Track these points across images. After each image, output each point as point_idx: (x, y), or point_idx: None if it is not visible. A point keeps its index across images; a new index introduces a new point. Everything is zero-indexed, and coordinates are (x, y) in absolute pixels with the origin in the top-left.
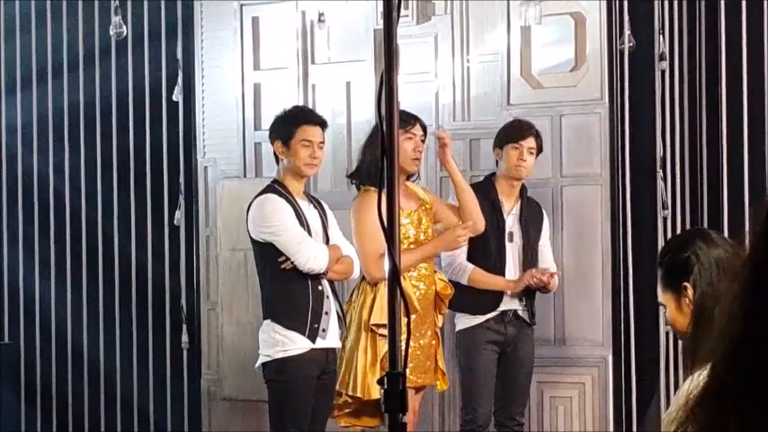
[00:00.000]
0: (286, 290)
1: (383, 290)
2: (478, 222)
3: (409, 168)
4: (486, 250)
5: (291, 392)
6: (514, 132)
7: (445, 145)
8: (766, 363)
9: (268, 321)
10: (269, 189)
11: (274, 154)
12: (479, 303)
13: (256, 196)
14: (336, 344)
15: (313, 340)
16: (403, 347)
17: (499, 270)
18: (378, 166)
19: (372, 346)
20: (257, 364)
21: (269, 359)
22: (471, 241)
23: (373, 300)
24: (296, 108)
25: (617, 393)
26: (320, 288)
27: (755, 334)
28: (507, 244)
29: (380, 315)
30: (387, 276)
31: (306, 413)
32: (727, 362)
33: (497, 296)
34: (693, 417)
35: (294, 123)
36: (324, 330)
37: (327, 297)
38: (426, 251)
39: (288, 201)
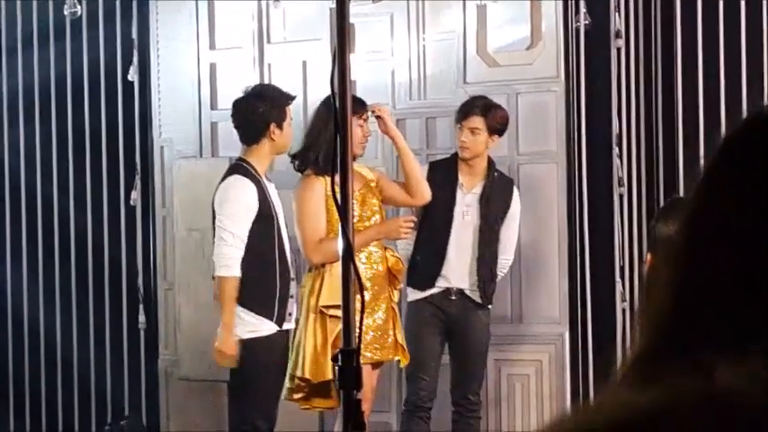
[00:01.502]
0: (254, 274)
1: (330, 272)
2: (424, 192)
3: (357, 151)
4: (431, 224)
5: (260, 374)
6: (459, 112)
7: (380, 117)
8: (691, 332)
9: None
10: (238, 169)
11: (246, 134)
12: (418, 279)
13: (224, 177)
14: (293, 325)
15: (280, 325)
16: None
17: (440, 245)
18: (319, 152)
19: (322, 329)
20: (218, 344)
21: (235, 339)
22: (421, 215)
23: (321, 283)
24: (270, 87)
25: (574, 370)
26: (288, 272)
27: (682, 306)
28: (459, 220)
29: (329, 296)
30: (340, 256)
31: (274, 394)
32: (652, 332)
33: (434, 272)
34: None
35: (283, 104)
36: (290, 314)
37: (292, 279)
38: (367, 236)
39: (255, 181)
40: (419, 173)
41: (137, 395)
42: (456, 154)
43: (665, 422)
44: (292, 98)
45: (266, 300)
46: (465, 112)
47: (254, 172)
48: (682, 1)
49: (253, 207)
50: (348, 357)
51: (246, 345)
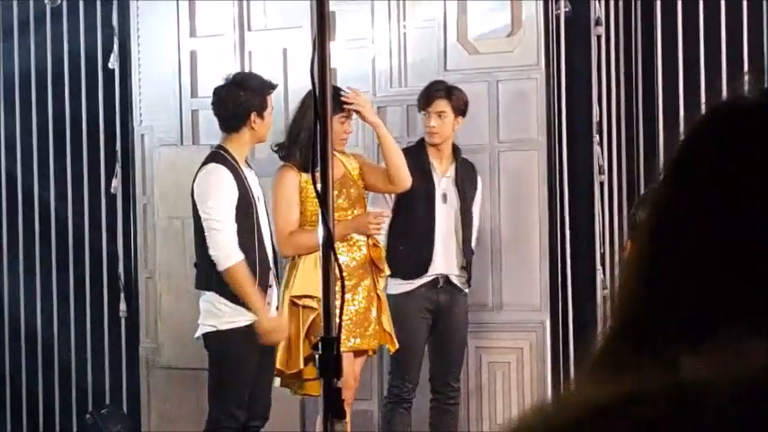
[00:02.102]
0: None
1: (303, 262)
2: (405, 179)
3: (337, 147)
4: (414, 212)
5: (238, 364)
6: (421, 98)
7: (358, 111)
8: (657, 323)
9: (212, 293)
10: (216, 157)
11: (226, 123)
12: (409, 267)
13: (202, 165)
14: (274, 315)
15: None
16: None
17: (428, 232)
18: (299, 146)
19: (295, 319)
20: (198, 334)
21: (213, 329)
22: (399, 203)
23: (295, 274)
24: (252, 75)
25: (555, 358)
26: (267, 261)
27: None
28: (441, 206)
29: (300, 287)
30: (310, 248)
31: (248, 383)
32: (618, 324)
33: (426, 260)
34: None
35: (264, 93)
36: (268, 304)
37: (270, 269)
38: (337, 233)
39: (232, 169)
40: (399, 160)
41: (118, 383)
42: (421, 140)
43: (625, 418)
44: (274, 87)
45: None
46: (428, 97)
47: (231, 160)
48: None
49: (233, 194)
50: (328, 345)
51: (224, 335)
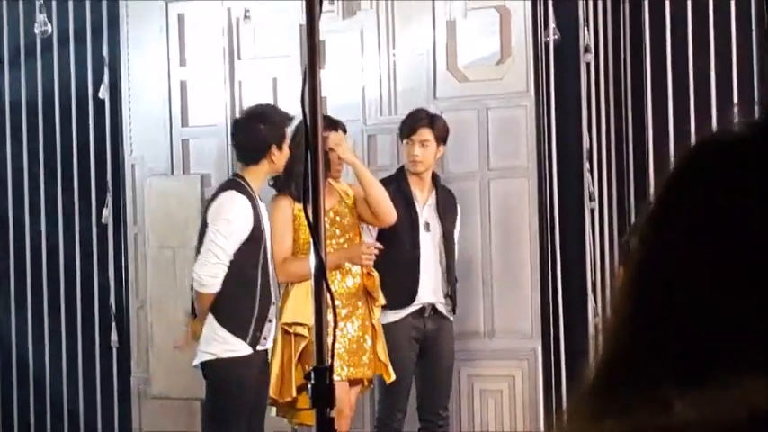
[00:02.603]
0: (235, 293)
1: (295, 290)
2: (388, 215)
3: (334, 175)
4: (399, 243)
5: (236, 393)
6: (404, 127)
7: (331, 149)
8: (648, 360)
9: (212, 319)
10: (236, 186)
11: (246, 155)
12: (395, 297)
13: (221, 190)
14: (270, 345)
15: (254, 347)
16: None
17: (413, 261)
18: (294, 178)
19: (287, 347)
20: (196, 362)
21: (213, 357)
22: (383, 234)
23: (286, 301)
24: (271, 108)
25: (547, 385)
26: (269, 295)
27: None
28: (424, 234)
29: (292, 314)
30: (303, 276)
31: (246, 412)
32: (608, 359)
33: (412, 289)
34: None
35: (284, 126)
36: (265, 338)
37: (273, 303)
38: (330, 261)
39: (250, 199)
40: (381, 196)
41: (109, 413)
42: (401, 169)
43: None
44: (291, 119)
45: (242, 320)
46: (411, 126)
47: (249, 190)
48: (650, 15)
49: (246, 226)
50: (320, 375)
51: (222, 363)
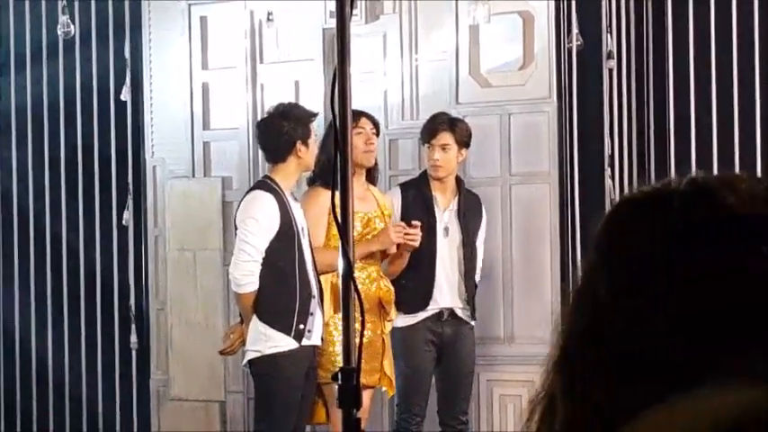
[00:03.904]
0: (273, 290)
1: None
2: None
3: (364, 162)
4: (416, 248)
5: (283, 388)
6: (425, 132)
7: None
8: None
9: (254, 318)
10: (262, 185)
11: (272, 154)
12: (411, 300)
13: (248, 192)
14: (319, 341)
15: (299, 341)
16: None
17: (429, 265)
18: (324, 166)
19: None
20: (245, 361)
21: (259, 354)
22: None
23: None
24: (294, 105)
25: None
26: (308, 289)
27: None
28: (442, 239)
29: None
30: (334, 268)
31: (295, 408)
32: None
33: (427, 293)
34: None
35: (307, 122)
36: (309, 331)
37: (313, 297)
38: (367, 246)
39: (278, 197)
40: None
41: (129, 415)
42: (424, 173)
43: None
44: (315, 115)
45: (284, 316)
46: (432, 130)
47: (277, 188)
48: (673, 22)
49: (274, 222)
50: (348, 376)
51: (269, 359)
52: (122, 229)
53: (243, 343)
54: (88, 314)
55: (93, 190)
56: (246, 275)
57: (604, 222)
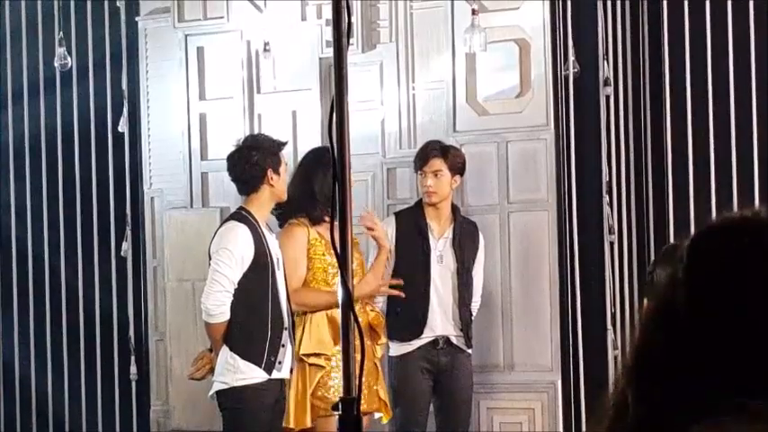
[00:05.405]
0: (244, 320)
1: (310, 321)
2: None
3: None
4: (410, 274)
5: (249, 421)
6: (417, 159)
7: (374, 237)
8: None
9: (224, 348)
10: (236, 216)
11: (244, 185)
12: (405, 328)
13: (224, 222)
14: (288, 374)
15: (269, 372)
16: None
17: (423, 293)
18: (299, 201)
19: (302, 377)
20: (211, 392)
21: (226, 386)
22: (397, 265)
23: (303, 331)
24: (261, 136)
25: (567, 419)
26: (281, 321)
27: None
28: (436, 267)
29: (308, 345)
30: (313, 306)
31: None
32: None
33: (422, 321)
34: None
35: (277, 151)
36: (280, 363)
37: (285, 329)
38: (379, 272)
39: (252, 228)
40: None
41: None
42: (419, 202)
43: None
44: (284, 144)
45: (255, 347)
46: (423, 157)
47: (252, 219)
48: (670, 48)
49: (248, 254)
50: (348, 406)
51: (237, 391)
52: (121, 261)
53: (211, 370)
54: (87, 345)
55: (91, 221)
56: (218, 305)
57: (689, 248)
